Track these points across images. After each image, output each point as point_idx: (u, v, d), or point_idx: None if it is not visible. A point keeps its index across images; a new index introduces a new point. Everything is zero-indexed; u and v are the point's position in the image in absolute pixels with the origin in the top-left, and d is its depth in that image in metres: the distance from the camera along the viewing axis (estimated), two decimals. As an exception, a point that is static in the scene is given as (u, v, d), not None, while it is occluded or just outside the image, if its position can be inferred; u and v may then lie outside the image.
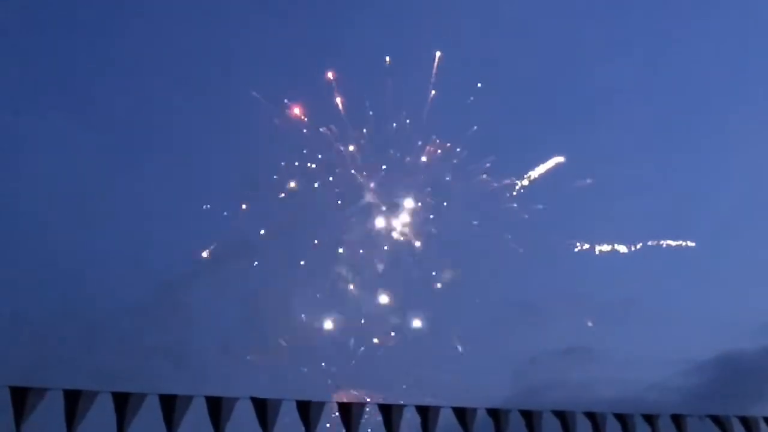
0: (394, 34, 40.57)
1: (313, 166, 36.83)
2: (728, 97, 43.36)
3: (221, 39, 40.49)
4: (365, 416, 8.19)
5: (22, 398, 7.16)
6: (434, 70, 35.61)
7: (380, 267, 37.23)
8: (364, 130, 36.35)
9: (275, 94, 37.03)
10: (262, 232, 37.46)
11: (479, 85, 36.74)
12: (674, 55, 42.88)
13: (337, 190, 36.97)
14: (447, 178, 37.06)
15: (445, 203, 37.07)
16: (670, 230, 41.63)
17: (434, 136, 36.23)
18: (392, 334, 36.82)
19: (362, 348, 36.69)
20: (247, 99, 37.78)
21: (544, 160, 37.32)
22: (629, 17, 43.83)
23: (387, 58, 35.97)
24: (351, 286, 37.28)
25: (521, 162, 37.45)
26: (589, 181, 36.65)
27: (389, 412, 8.25)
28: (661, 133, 42.52)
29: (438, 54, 35.73)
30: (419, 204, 37.20)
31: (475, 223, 37.02)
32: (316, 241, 37.33)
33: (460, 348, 36.04)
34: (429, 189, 37.24)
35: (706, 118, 43.31)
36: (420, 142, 36.30)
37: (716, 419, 9.65)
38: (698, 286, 41.00)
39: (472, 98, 36.37)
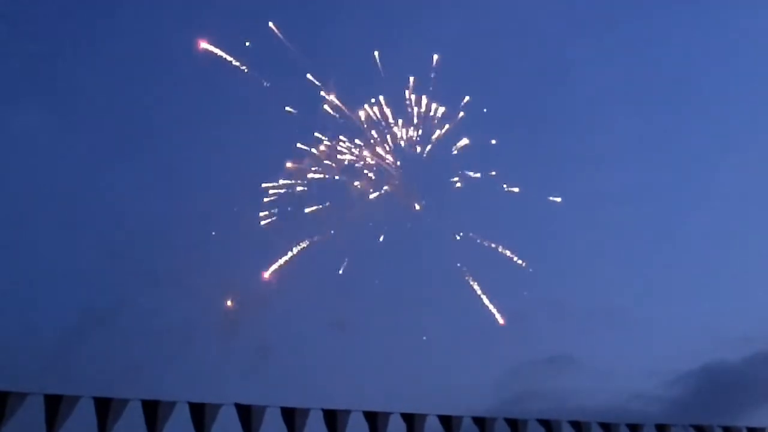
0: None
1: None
2: (720, 103, 43.78)
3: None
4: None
5: (2, 403, 7.08)
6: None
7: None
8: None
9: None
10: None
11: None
12: (663, 62, 43.23)
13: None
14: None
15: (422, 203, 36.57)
16: (654, 239, 42.08)
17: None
18: None
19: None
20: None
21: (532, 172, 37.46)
22: (618, 25, 44.17)
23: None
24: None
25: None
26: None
27: (374, 420, 8.22)
28: (648, 142, 42.85)
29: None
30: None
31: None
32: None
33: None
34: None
35: (695, 125, 43.70)
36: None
37: (700, 429, 9.72)
38: (682, 296, 41.30)
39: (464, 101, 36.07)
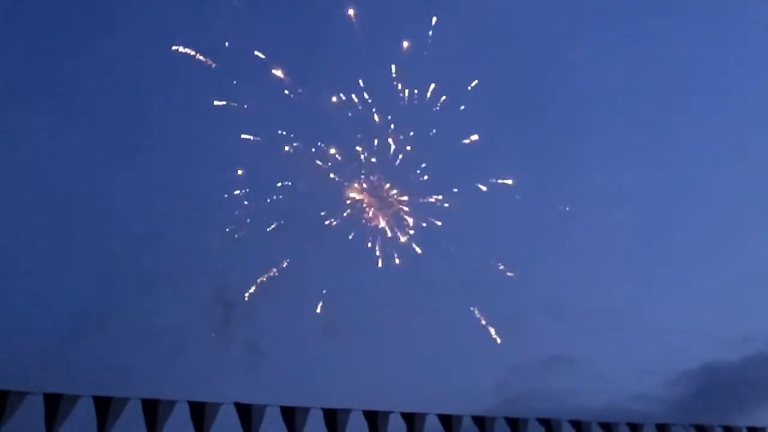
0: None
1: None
2: (720, 103, 43.77)
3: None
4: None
5: (2, 402, 7.08)
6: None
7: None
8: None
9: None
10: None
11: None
12: (663, 62, 43.19)
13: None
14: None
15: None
16: (655, 239, 42.06)
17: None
18: None
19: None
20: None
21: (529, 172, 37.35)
22: (617, 25, 44.14)
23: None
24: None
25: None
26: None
27: (374, 419, 8.21)
28: (648, 142, 42.84)
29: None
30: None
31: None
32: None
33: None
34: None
35: (694, 126, 43.67)
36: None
37: (700, 429, 9.72)
38: (681, 296, 41.30)
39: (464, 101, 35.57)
